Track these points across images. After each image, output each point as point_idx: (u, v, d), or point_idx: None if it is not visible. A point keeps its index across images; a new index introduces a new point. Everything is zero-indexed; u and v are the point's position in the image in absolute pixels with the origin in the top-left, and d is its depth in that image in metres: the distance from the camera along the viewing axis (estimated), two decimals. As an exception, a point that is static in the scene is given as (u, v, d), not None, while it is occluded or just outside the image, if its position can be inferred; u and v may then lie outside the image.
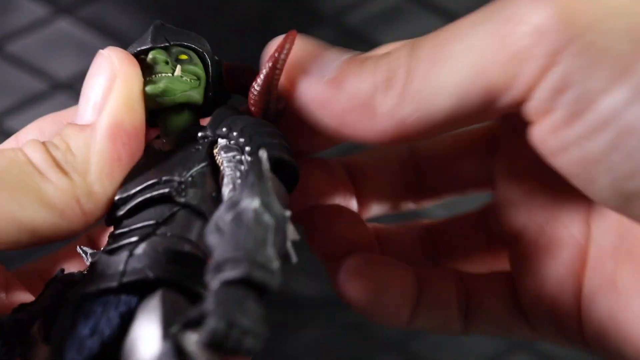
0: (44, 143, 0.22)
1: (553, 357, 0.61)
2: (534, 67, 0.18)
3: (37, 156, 0.21)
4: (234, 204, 0.18)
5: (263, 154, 0.20)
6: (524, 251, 0.25)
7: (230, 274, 0.16)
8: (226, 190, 0.21)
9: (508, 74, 0.19)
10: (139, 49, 0.23)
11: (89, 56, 0.52)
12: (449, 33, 0.20)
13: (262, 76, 0.22)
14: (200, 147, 0.22)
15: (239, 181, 0.20)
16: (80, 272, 0.22)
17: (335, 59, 0.22)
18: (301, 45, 0.22)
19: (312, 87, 0.21)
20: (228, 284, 0.16)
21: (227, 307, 0.15)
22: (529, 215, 0.25)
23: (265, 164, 0.19)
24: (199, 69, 0.23)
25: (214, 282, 0.16)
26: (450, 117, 0.20)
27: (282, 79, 0.22)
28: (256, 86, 0.22)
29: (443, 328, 0.26)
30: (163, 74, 0.22)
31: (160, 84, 0.22)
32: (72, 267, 0.24)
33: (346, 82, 0.21)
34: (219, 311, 0.15)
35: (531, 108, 0.19)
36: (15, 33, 0.53)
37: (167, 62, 0.23)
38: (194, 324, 0.16)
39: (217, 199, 0.21)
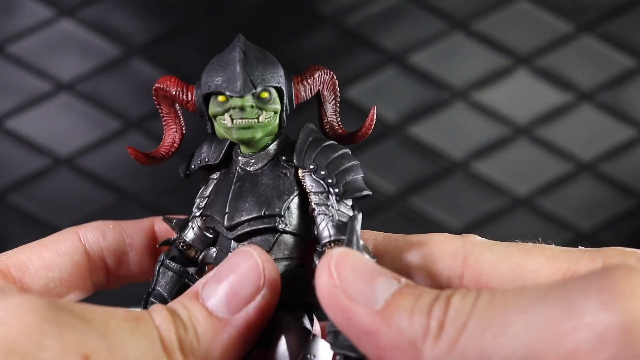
0: (175, 320, 0.22)
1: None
2: None
3: (168, 335, 0.21)
4: None
5: (358, 216, 0.25)
6: None
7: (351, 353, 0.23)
8: (323, 233, 0.26)
9: None
10: (228, 92, 0.25)
11: (91, 57, 0.53)
12: (512, 299, 0.20)
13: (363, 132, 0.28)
14: (287, 172, 0.27)
15: (332, 229, 0.26)
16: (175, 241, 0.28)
17: (387, 287, 0.21)
18: (353, 268, 0.22)
19: (361, 315, 0.21)
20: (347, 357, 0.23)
21: None
22: None
23: (359, 224, 0.25)
24: (277, 104, 0.26)
25: (337, 351, 0.23)
26: None
27: (335, 302, 0.22)
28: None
29: None
30: (251, 121, 0.26)
31: (248, 134, 0.26)
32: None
33: (395, 318, 0.20)
34: None
35: None
36: (18, 34, 0.53)
37: (252, 106, 0.25)
38: None
39: (308, 220, 0.26)
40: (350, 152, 0.27)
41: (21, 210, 0.54)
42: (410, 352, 0.20)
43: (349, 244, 0.24)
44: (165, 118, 0.28)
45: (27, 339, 0.18)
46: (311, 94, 0.27)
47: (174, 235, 0.29)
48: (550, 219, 0.55)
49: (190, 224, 0.28)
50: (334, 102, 0.28)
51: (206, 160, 0.28)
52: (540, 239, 0.25)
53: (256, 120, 0.26)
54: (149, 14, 0.53)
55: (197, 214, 0.28)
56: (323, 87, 0.27)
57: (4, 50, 0.53)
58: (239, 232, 0.26)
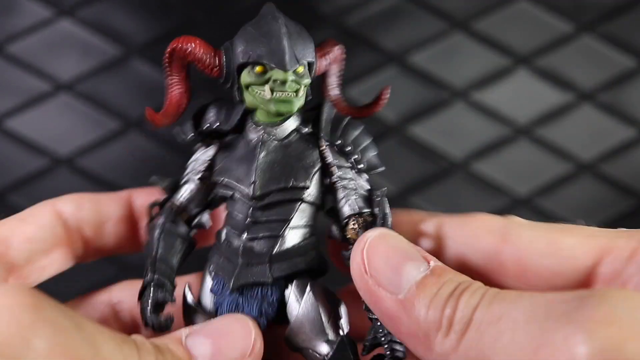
0: (157, 356, 0.22)
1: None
2: None
3: None
4: None
5: (384, 196, 0.27)
6: None
7: None
8: (346, 207, 0.27)
9: None
10: (273, 64, 0.26)
11: (91, 57, 0.53)
12: (509, 306, 0.20)
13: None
14: (310, 143, 0.28)
15: (357, 202, 0.27)
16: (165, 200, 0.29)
17: (413, 275, 0.23)
18: (382, 254, 0.23)
19: (386, 301, 0.23)
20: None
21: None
22: None
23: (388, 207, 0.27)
24: (308, 78, 0.27)
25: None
26: None
27: (364, 285, 0.24)
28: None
29: None
30: (290, 94, 0.26)
31: (287, 107, 0.26)
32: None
33: (414, 309, 0.22)
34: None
35: None
36: (18, 34, 0.53)
37: (293, 81, 0.26)
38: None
39: (324, 191, 0.28)
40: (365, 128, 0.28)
41: (21, 211, 0.54)
42: (424, 343, 0.21)
43: (382, 219, 0.26)
44: (172, 79, 0.27)
45: (14, 339, 0.18)
46: (325, 68, 0.28)
47: (161, 199, 0.29)
48: (551, 219, 0.55)
49: (185, 186, 0.28)
50: (339, 75, 0.29)
51: (217, 125, 0.28)
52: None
53: (295, 94, 0.26)
54: (149, 14, 0.53)
55: (197, 177, 0.28)
56: (334, 61, 0.28)
57: (4, 50, 0.53)
58: (265, 202, 0.27)
